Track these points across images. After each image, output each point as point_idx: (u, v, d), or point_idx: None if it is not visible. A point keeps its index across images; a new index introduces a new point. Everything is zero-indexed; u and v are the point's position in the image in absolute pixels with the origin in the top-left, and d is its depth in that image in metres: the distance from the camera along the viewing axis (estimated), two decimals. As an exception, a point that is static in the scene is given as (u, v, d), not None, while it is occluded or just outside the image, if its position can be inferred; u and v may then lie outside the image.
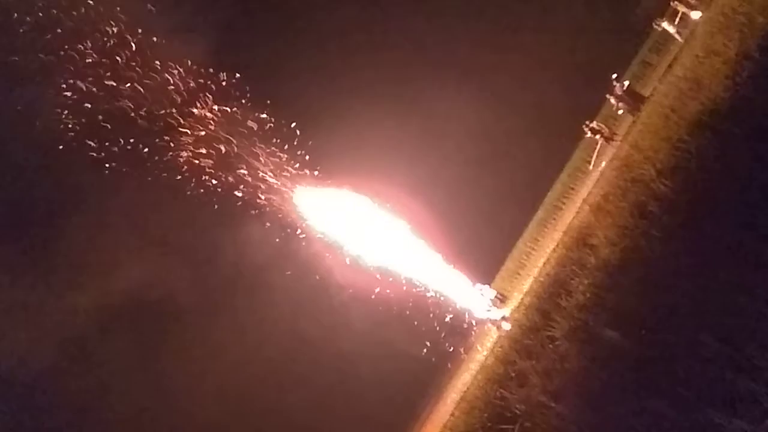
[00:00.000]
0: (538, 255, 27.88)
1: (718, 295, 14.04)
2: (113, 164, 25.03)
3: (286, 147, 26.42)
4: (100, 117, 24.71)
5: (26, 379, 26.65)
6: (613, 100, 27.45)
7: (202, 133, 25.82)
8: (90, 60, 24.77)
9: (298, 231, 26.58)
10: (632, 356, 15.52)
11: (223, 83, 25.68)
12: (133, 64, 25.04)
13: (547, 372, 17.42)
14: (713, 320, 13.84)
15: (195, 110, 25.66)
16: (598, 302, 17.29)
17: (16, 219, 26.76)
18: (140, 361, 27.28)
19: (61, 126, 24.42)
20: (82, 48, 24.62)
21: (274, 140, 26.29)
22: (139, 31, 24.90)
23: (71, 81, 24.51)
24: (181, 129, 25.58)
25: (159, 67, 25.27)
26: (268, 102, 26.09)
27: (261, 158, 26.40)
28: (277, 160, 26.62)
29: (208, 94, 25.72)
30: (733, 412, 12.62)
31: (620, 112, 27.34)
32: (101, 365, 27.23)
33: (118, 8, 24.70)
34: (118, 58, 24.98)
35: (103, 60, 24.83)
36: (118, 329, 27.06)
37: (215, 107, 25.87)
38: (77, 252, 26.68)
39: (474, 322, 27.85)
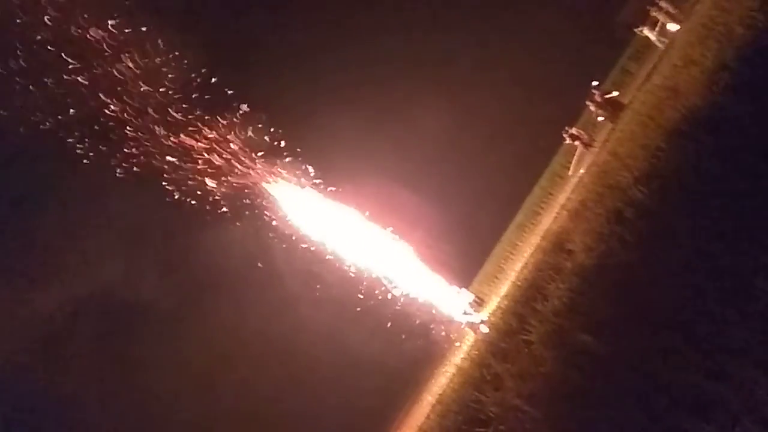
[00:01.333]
0: (516, 259, 28.10)
1: (689, 302, 14.17)
2: (86, 163, 24.82)
3: (264, 149, 26.39)
4: (74, 114, 24.49)
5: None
6: (592, 107, 27.72)
7: (179, 134, 25.69)
8: (72, 60, 24.58)
9: (276, 233, 26.54)
10: (606, 361, 15.58)
11: (201, 85, 25.59)
12: (109, 63, 24.87)
13: (522, 375, 17.46)
14: (686, 326, 13.95)
15: (172, 111, 25.51)
16: (573, 307, 17.36)
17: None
18: (109, 362, 27.02)
19: (33, 123, 24.18)
20: (67, 49, 24.45)
21: (252, 141, 26.23)
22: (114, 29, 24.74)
23: (48, 80, 24.29)
24: (157, 130, 25.43)
25: (135, 66, 25.13)
26: (246, 104, 26.04)
27: (239, 159, 26.31)
28: (255, 162, 26.55)
29: (186, 96, 25.61)
30: (703, 418, 12.73)
31: (599, 119, 27.62)
32: (69, 365, 26.91)
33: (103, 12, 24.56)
34: (98, 59, 24.82)
35: (84, 60, 24.65)
36: (87, 330, 26.80)
37: (193, 109, 25.75)
38: (47, 251, 26.40)
39: (451, 325, 27.97)
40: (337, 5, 29.08)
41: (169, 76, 25.36)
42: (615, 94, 28.43)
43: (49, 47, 24.08)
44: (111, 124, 24.90)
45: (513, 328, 19.66)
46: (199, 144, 25.69)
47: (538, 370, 16.80)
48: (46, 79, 24.06)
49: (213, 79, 25.45)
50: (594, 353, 16.06)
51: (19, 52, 23.87)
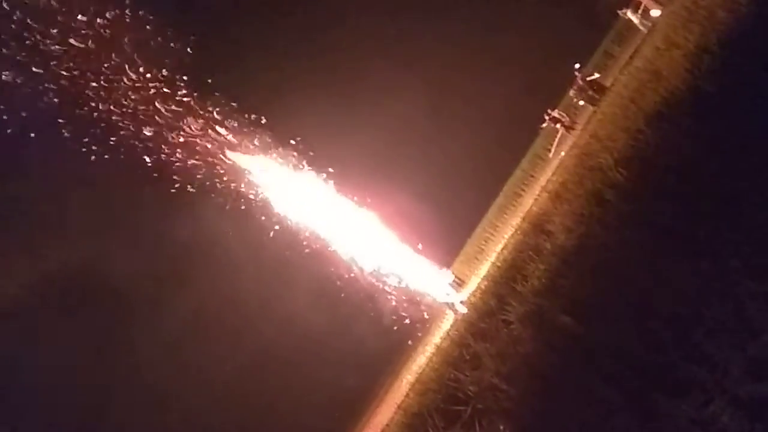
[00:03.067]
0: (497, 240, 28.18)
1: (669, 283, 14.33)
2: (63, 142, 24.54)
3: (244, 130, 26.20)
4: (54, 95, 24.18)
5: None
6: (574, 90, 27.76)
7: (158, 116, 25.44)
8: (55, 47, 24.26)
9: (253, 214, 26.44)
10: (584, 342, 15.74)
11: (179, 66, 25.32)
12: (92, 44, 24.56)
13: (500, 355, 17.60)
14: (663, 308, 14.13)
15: (151, 92, 25.25)
16: (552, 288, 17.50)
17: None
18: (81, 338, 26.78)
19: (15, 103, 23.84)
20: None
21: (233, 123, 26.02)
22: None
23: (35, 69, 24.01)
24: (137, 111, 25.17)
25: (117, 47, 24.84)
26: (226, 86, 25.81)
27: (219, 141, 26.12)
28: (236, 142, 26.37)
29: (165, 77, 25.35)
30: (680, 398, 12.92)
31: (581, 102, 27.66)
32: (37, 339, 26.66)
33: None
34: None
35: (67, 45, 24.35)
36: (57, 306, 26.52)
37: (171, 90, 25.49)
38: (19, 225, 26.06)
39: (432, 305, 28.08)
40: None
41: (151, 59, 25.07)
42: (597, 76, 28.46)
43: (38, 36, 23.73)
44: (90, 104, 24.61)
45: (492, 309, 19.78)
46: (180, 125, 25.47)
47: (517, 350, 16.95)
48: (33, 68, 23.73)
49: (192, 64, 25.18)
50: (572, 333, 16.22)
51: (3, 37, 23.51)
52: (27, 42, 24.07)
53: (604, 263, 16.40)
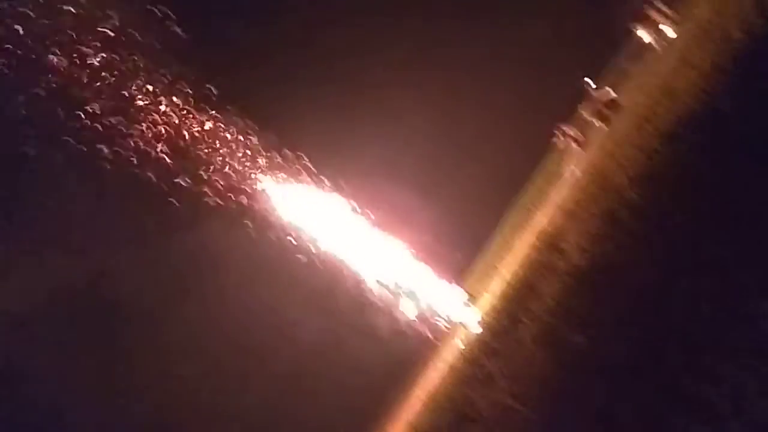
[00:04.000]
0: (510, 257, 28.13)
1: (682, 303, 14.23)
2: (73, 154, 24.66)
3: (251, 142, 26.28)
4: (66, 106, 24.35)
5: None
6: (587, 107, 27.75)
7: (162, 127, 25.56)
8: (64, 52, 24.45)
9: (262, 228, 26.44)
10: (598, 362, 15.64)
11: (186, 80, 25.47)
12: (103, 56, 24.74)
13: (514, 375, 17.53)
14: (677, 328, 14.02)
15: (157, 105, 25.39)
16: (566, 307, 17.43)
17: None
18: (87, 352, 26.77)
19: (22, 111, 24.01)
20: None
21: (238, 135, 26.11)
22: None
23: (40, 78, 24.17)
24: (142, 122, 25.30)
25: (123, 59, 25.00)
26: (232, 98, 25.90)
27: (223, 153, 26.20)
28: (242, 155, 26.44)
29: (170, 89, 25.48)
30: (694, 419, 12.79)
31: (595, 119, 27.65)
32: (44, 351, 26.65)
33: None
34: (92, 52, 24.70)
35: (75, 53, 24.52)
36: (65, 320, 26.53)
37: (176, 102, 25.62)
38: (26, 237, 26.13)
39: (443, 323, 27.99)
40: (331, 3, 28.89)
41: (159, 70, 25.24)
42: (611, 94, 28.46)
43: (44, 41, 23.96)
44: (99, 116, 24.76)
45: (506, 327, 19.73)
46: (186, 138, 25.56)
47: (531, 370, 16.87)
48: (38, 76, 23.92)
49: (200, 74, 25.29)
50: (586, 353, 16.12)
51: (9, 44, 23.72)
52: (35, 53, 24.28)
53: (617, 282, 16.32)
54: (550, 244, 21.50)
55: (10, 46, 23.48)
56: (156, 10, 24.75)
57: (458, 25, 28.97)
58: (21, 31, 23.56)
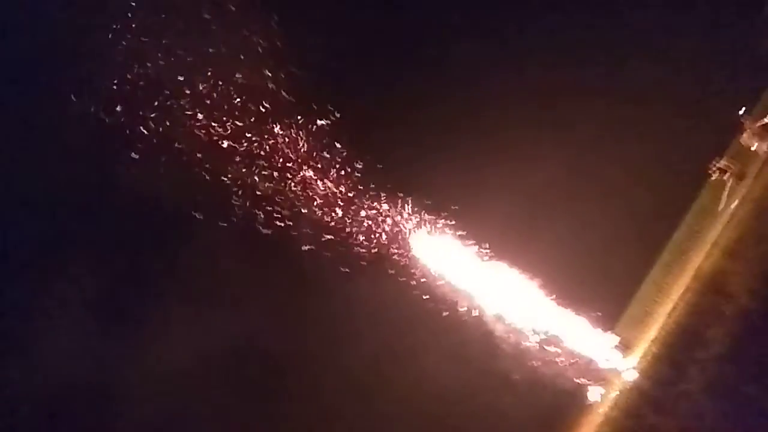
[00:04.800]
0: (664, 301, 26.56)
1: None
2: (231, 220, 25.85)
3: (399, 196, 26.61)
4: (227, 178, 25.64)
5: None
6: (745, 136, 26.18)
7: (313, 193, 26.39)
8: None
9: (409, 279, 26.51)
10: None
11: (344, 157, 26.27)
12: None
13: (682, 429, 16.34)
14: None
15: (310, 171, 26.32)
16: (738, 354, 16.14)
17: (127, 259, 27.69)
18: (245, 411, 27.40)
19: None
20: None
21: (382, 195, 26.53)
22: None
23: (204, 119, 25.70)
24: (293, 188, 26.23)
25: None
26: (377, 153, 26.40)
27: (370, 215, 26.63)
28: (389, 209, 26.76)
29: (320, 150, 26.35)
30: None
31: (753, 148, 25.99)
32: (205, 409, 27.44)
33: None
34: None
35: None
36: (223, 377, 27.30)
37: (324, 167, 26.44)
38: (185, 299, 27.32)
39: (597, 372, 26.70)
40: (464, 58, 28.92)
41: (309, 140, 26.14)
42: (766, 120, 26.72)
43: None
44: (255, 185, 25.90)
45: (669, 377, 18.53)
46: (337, 201, 26.24)
47: (703, 424, 15.66)
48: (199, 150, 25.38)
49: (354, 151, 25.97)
50: (763, 404, 14.85)
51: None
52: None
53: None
54: (712, 286, 20.15)
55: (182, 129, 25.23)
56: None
57: (601, 63, 28.17)
58: (189, 111, 25.27)
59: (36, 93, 27.06)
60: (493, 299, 26.64)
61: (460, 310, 26.25)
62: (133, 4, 25.64)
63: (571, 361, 26.59)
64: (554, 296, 26.46)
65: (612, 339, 26.99)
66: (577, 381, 26.68)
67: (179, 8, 25.66)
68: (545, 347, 26.73)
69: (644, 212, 27.17)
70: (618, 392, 25.50)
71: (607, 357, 26.84)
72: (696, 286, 22.13)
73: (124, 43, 25.41)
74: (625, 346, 26.79)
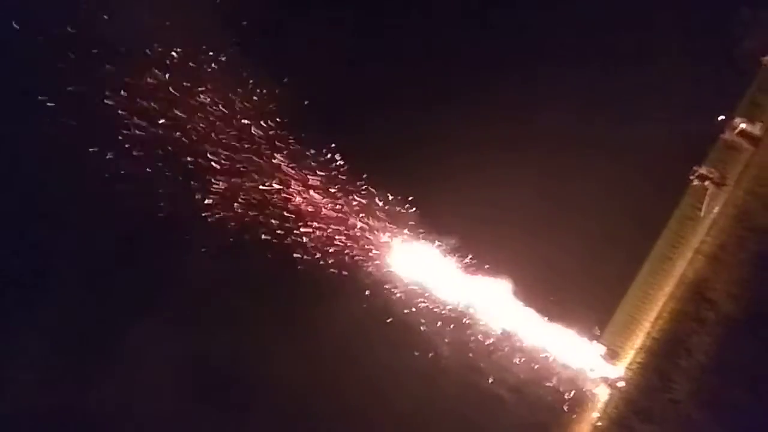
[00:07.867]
0: (649, 308, 26.59)
1: None
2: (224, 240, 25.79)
3: (387, 211, 26.63)
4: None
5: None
6: (723, 144, 26.37)
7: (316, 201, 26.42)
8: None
9: (399, 292, 26.49)
10: (764, 420, 14.32)
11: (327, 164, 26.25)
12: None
13: (669, 437, 16.32)
14: None
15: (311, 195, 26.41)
16: (722, 361, 16.17)
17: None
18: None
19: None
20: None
21: (378, 209, 26.58)
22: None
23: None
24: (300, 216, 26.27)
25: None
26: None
27: (362, 225, 26.65)
28: (380, 225, 26.79)
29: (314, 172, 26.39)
30: None
31: (732, 154, 26.19)
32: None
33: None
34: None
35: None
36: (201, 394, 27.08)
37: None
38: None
39: (584, 380, 26.67)
40: (442, 77, 29.00)
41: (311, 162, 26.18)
42: (745, 126, 26.92)
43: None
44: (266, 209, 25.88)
45: (655, 385, 18.52)
46: (332, 212, 26.24)
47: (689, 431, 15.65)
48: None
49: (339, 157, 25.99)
50: (750, 411, 14.85)
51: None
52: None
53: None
54: (695, 293, 20.21)
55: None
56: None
57: (582, 71, 28.29)
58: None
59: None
60: (478, 312, 26.61)
61: (443, 323, 26.23)
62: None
63: (558, 371, 26.57)
64: (539, 307, 26.47)
65: (598, 348, 26.98)
66: (564, 391, 26.64)
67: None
68: (531, 359, 26.70)
69: (628, 220, 27.25)
70: (605, 401, 25.49)
71: (594, 367, 26.83)
72: (680, 293, 22.19)
73: (122, 50, 25.22)
74: (611, 356, 26.79)
